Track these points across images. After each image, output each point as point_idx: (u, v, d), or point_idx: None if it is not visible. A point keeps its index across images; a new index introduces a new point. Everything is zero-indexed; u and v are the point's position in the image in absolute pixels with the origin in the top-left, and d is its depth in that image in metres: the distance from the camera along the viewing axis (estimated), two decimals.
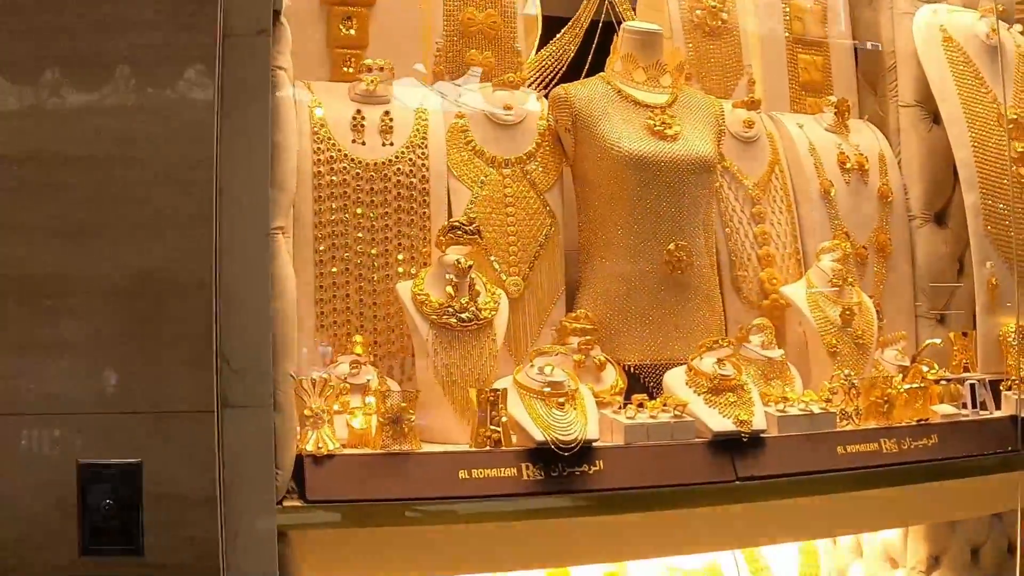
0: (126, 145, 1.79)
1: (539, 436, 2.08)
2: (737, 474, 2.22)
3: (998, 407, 2.62)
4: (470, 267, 2.25)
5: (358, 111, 2.44)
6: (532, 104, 2.59)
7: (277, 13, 2.04)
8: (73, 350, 1.75)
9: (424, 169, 2.44)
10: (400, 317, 2.33)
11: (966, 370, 2.76)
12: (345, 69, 2.55)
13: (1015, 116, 2.82)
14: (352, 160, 2.40)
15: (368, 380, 2.20)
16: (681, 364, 2.38)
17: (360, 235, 2.37)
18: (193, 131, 1.83)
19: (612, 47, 2.62)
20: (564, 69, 2.74)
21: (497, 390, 2.11)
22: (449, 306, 2.23)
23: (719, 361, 2.34)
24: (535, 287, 2.48)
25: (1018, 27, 3.05)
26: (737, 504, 2.24)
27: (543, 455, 2.08)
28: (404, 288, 2.29)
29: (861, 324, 2.61)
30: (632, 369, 2.44)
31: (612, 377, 2.39)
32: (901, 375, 2.59)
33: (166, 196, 1.81)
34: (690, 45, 2.86)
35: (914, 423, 2.47)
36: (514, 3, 2.70)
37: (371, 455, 2.04)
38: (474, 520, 2.04)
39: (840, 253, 2.63)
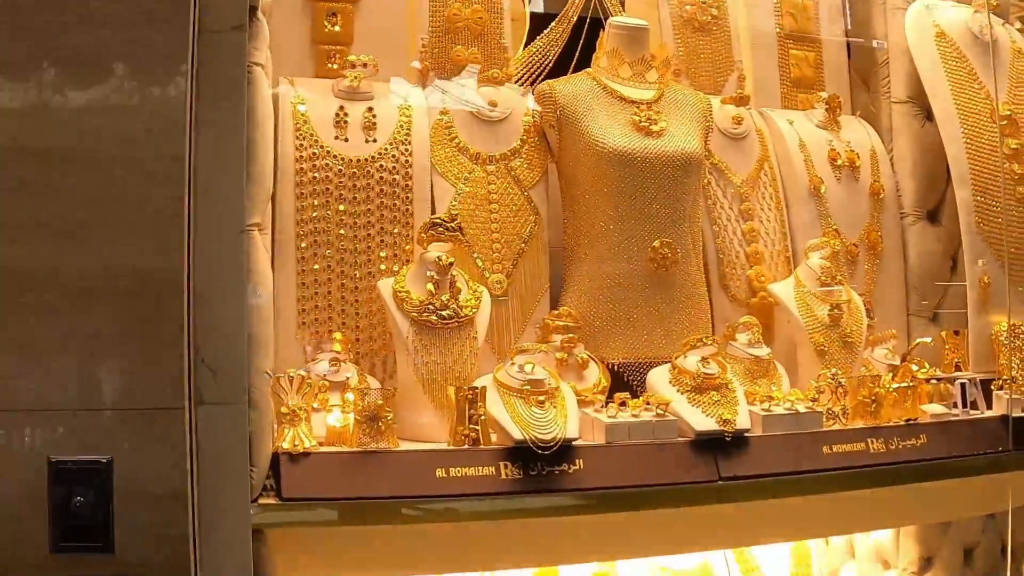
0: (98, 141, 1.78)
1: (518, 435, 2.06)
2: (720, 474, 2.20)
3: (989, 407, 2.59)
4: (451, 264, 2.24)
5: (341, 107, 2.43)
6: (518, 100, 2.57)
7: (254, 9, 2.03)
8: (44, 348, 1.74)
9: (407, 166, 2.43)
10: (382, 315, 2.31)
11: (958, 369, 2.72)
12: (329, 65, 2.54)
13: (1008, 112, 2.78)
14: (335, 156, 2.39)
15: (348, 377, 2.19)
16: (666, 362, 2.36)
17: (342, 232, 2.36)
18: (166, 127, 1.82)
19: (598, 43, 2.60)
20: (551, 65, 2.72)
21: (475, 388, 2.09)
22: (430, 303, 2.22)
23: (703, 359, 2.31)
24: (519, 284, 2.46)
25: (1018, 25, 3.01)
26: (720, 504, 2.21)
27: (522, 454, 2.06)
28: (385, 285, 2.27)
29: (850, 322, 2.58)
30: (616, 367, 2.42)
31: (595, 375, 2.37)
32: (891, 374, 2.56)
33: (138, 192, 1.80)
34: (679, 41, 2.84)
35: (902, 423, 2.44)
36: None
37: (347, 453, 2.03)
38: (451, 519, 2.02)
39: (829, 251, 2.60)
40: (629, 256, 2.44)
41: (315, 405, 2.13)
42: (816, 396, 2.39)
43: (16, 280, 1.75)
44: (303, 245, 2.34)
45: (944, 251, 2.91)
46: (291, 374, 2.06)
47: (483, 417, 2.09)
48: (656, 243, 2.43)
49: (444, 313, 2.22)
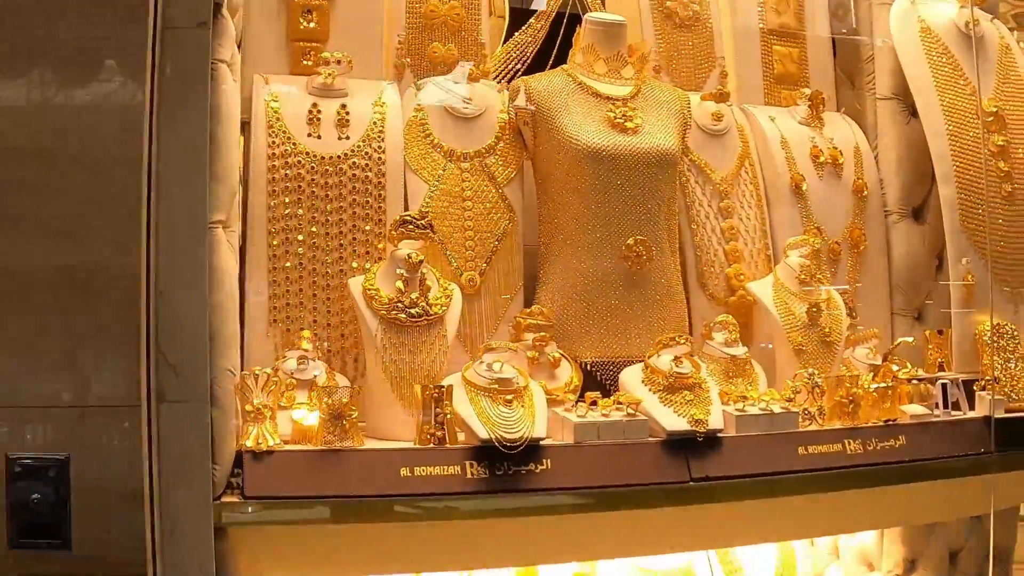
0: (56, 137, 1.78)
1: (483, 434, 2.04)
2: (691, 475, 2.17)
3: (972, 407, 2.55)
4: (421, 262, 2.22)
5: (314, 104, 2.42)
6: (494, 97, 2.55)
7: (219, 6, 2.02)
8: (1, 346, 1.74)
9: (380, 163, 2.42)
10: (354, 312, 2.30)
11: (941, 369, 2.68)
12: (305, 62, 2.53)
13: (995, 108, 2.73)
14: (307, 154, 2.38)
15: (315, 375, 2.18)
16: (640, 361, 2.34)
17: (314, 229, 2.35)
18: (125, 123, 1.82)
19: (574, 38, 2.57)
20: (530, 61, 2.69)
21: (441, 387, 2.08)
22: (399, 301, 2.21)
23: (676, 358, 2.29)
24: (492, 282, 2.45)
25: (1011, 24, 2.97)
26: (691, 505, 2.19)
27: (488, 453, 2.04)
28: (355, 283, 2.26)
29: (829, 322, 2.54)
30: (589, 366, 2.40)
31: (567, 374, 2.35)
32: (871, 374, 2.52)
33: (96, 189, 1.80)
34: (660, 37, 2.81)
35: (881, 423, 2.40)
36: None
37: (311, 452, 2.02)
38: (415, 518, 2.01)
39: (809, 249, 2.57)
40: (603, 254, 2.42)
41: (283, 403, 2.13)
42: (792, 396, 2.36)
43: None
44: (275, 243, 2.34)
45: (929, 250, 2.86)
46: (256, 372, 2.06)
47: (449, 416, 2.07)
48: (630, 240, 2.41)
49: (413, 311, 2.21)
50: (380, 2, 2.61)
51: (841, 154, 2.81)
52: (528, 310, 2.38)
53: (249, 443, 1.99)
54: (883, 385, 2.43)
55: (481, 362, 2.18)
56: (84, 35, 1.81)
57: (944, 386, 2.50)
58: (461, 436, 2.11)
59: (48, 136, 1.78)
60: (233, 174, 2.06)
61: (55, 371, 1.78)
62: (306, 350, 2.22)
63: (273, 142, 2.37)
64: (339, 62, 2.43)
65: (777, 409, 2.31)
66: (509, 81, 2.66)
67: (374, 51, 2.59)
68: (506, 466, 2.05)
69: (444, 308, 2.25)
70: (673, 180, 2.53)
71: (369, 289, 2.23)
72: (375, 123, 2.45)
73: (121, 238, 1.80)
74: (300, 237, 2.34)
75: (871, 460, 2.35)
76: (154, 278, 1.86)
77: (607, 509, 2.13)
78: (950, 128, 2.71)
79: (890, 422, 2.41)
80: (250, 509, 1.94)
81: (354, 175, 2.39)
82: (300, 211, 2.35)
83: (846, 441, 2.34)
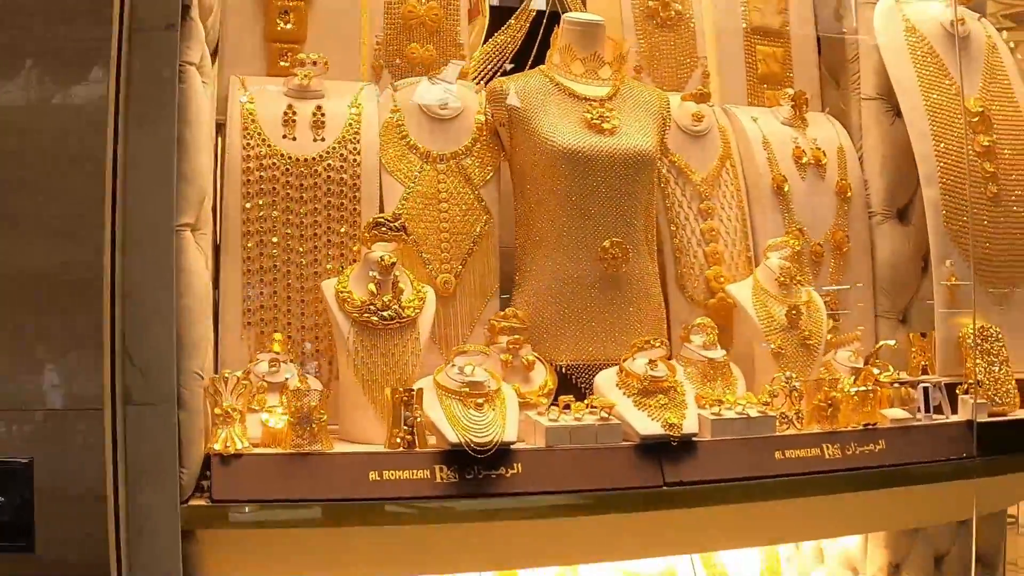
0: (19, 138, 1.78)
1: (453, 437, 2.03)
2: (665, 479, 2.16)
3: (955, 411, 2.52)
4: (393, 264, 2.21)
5: (290, 106, 2.41)
6: (471, 98, 2.54)
7: (187, 8, 2.02)
8: None
9: (356, 165, 2.41)
10: (328, 315, 2.29)
11: (925, 372, 2.65)
12: (282, 63, 2.52)
13: (981, 108, 2.70)
14: (281, 155, 2.37)
15: (287, 378, 2.18)
16: (616, 364, 2.32)
17: (289, 231, 2.35)
18: (89, 125, 1.81)
19: (552, 38, 2.56)
20: (508, 61, 2.68)
21: (412, 390, 2.07)
22: (371, 304, 2.20)
23: (651, 362, 2.27)
24: (468, 284, 2.43)
25: (1009, 23, 2.93)
26: (665, 510, 2.17)
27: (459, 457, 2.03)
28: (328, 285, 2.25)
29: (809, 324, 2.52)
30: (564, 369, 2.39)
31: (542, 377, 2.33)
32: (852, 377, 2.50)
33: (60, 191, 1.79)
34: (641, 36, 2.79)
35: (860, 428, 2.38)
36: None
37: (280, 455, 2.01)
38: (383, 522, 2.00)
39: (789, 251, 2.54)
40: (579, 256, 2.40)
41: (254, 406, 2.12)
42: (769, 400, 2.34)
43: None
44: (249, 244, 2.33)
45: (914, 251, 2.83)
46: (226, 375, 2.05)
47: (419, 419, 2.06)
48: (606, 243, 2.39)
49: (385, 314, 2.20)
50: (358, 3, 2.60)
51: (824, 155, 2.78)
52: (502, 313, 2.36)
53: (217, 446, 1.98)
54: (863, 389, 2.41)
55: (453, 365, 2.17)
56: (49, 36, 1.80)
57: (925, 390, 2.47)
58: (432, 440, 2.10)
59: (13, 137, 1.78)
60: (202, 176, 2.06)
61: (19, 373, 1.77)
62: (277, 353, 2.21)
63: (248, 144, 2.37)
64: (315, 63, 2.43)
65: (754, 413, 2.29)
66: (487, 82, 2.64)
67: (352, 52, 2.58)
68: (476, 470, 2.04)
69: (417, 311, 2.24)
70: (651, 181, 2.51)
71: (342, 291, 2.22)
72: (351, 124, 2.44)
73: (86, 240, 1.80)
74: (275, 239, 2.34)
75: (850, 465, 2.33)
76: (121, 280, 1.85)
77: (579, 514, 2.12)
78: (934, 128, 2.68)
79: (870, 426, 2.39)
80: (218, 512, 1.94)
81: (329, 177, 2.39)
82: (275, 213, 2.34)
83: (824, 445, 2.32)
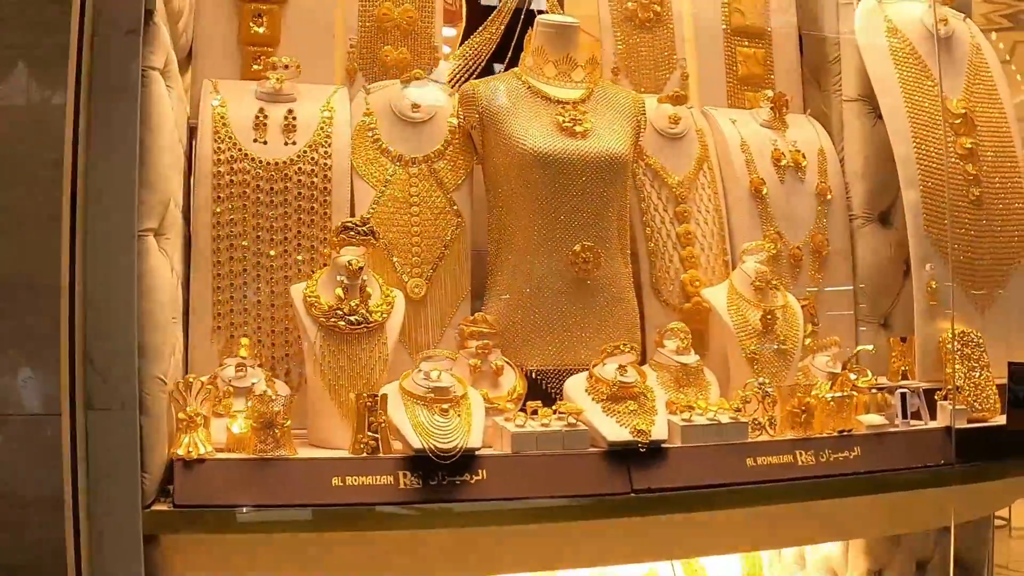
0: None
1: (417, 443, 2.02)
2: (633, 486, 2.14)
3: (933, 417, 2.48)
4: (361, 268, 2.21)
5: (261, 110, 2.41)
6: (444, 101, 2.52)
7: (150, 13, 2.01)
8: None
9: (327, 168, 2.40)
10: (296, 319, 2.29)
11: (905, 378, 2.62)
12: (254, 67, 2.52)
13: (963, 110, 2.66)
14: (252, 159, 2.37)
15: (253, 383, 2.17)
16: (587, 370, 2.30)
17: (259, 235, 2.34)
18: (48, 131, 1.81)
19: (526, 40, 2.54)
20: (486, 62, 2.66)
21: (375, 395, 2.06)
22: (338, 308, 2.19)
23: (621, 367, 2.25)
24: (439, 289, 2.42)
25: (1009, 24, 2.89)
26: (633, 517, 2.15)
27: (423, 463, 2.02)
28: (297, 290, 2.25)
29: (785, 329, 2.49)
30: (535, 375, 2.37)
31: (511, 383, 2.32)
32: (829, 383, 2.47)
33: (19, 196, 1.80)
34: (620, 38, 2.77)
35: (835, 434, 2.35)
36: None
37: (243, 460, 2.01)
38: (346, 528, 2.00)
39: (765, 254, 2.52)
40: (550, 260, 2.38)
41: (220, 411, 2.12)
42: (741, 406, 2.32)
43: None
44: (219, 249, 2.33)
45: (896, 255, 2.79)
46: (190, 380, 2.05)
47: (383, 425, 2.05)
48: (577, 247, 2.37)
49: (352, 318, 2.19)
50: (332, 6, 2.59)
51: (804, 157, 2.75)
52: (471, 317, 2.35)
53: (180, 451, 1.98)
54: (840, 394, 2.38)
55: (419, 370, 2.16)
56: (7, 41, 1.81)
57: (903, 395, 2.44)
58: (398, 446, 2.09)
59: None
60: (166, 181, 2.05)
61: None
62: (244, 357, 2.21)
63: (219, 148, 2.36)
64: (287, 67, 2.42)
65: (725, 419, 2.27)
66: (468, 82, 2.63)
67: (326, 55, 2.58)
68: (440, 476, 2.03)
69: (385, 315, 2.23)
70: (624, 184, 2.49)
71: (309, 296, 2.21)
72: (322, 128, 2.43)
73: (43, 246, 1.80)
74: (245, 243, 2.33)
75: (824, 472, 2.30)
76: (82, 285, 1.86)
77: (545, 520, 2.10)
78: (915, 130, 2.64)
79: (845, 433, 2.36)
80: (180, 517, 1.94)
81: (300, 181, 2.38)
82: (245, 217, 2.34)
83: (798, 452, 2.30)
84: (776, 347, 2.45)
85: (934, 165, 2.63)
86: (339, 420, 2.16)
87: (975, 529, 2.88)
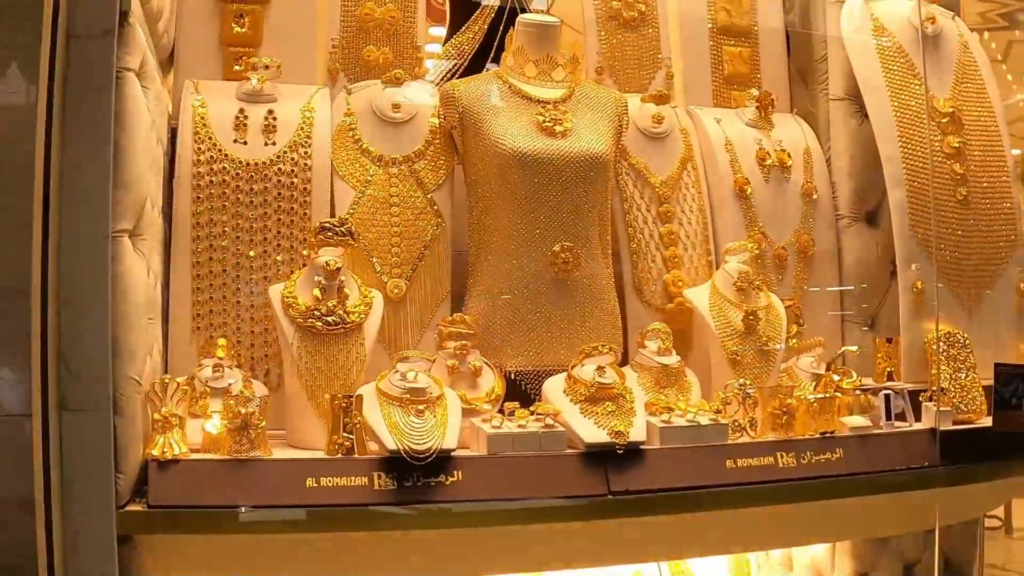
0: None
1: (391, 444, 2.02)
2: (610, 488, 2.13)
3: (918, 419, 2.46)
4: (339, 269, 2.20)
5: (241, 110, 2.41)
6: (425, 101, 2.52)
7: (125, 14, 2.01)
8: None
9: (306, 169, 2.40)
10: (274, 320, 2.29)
11: (890, 379, 2.60)
12: (236, 68, 2.52)
13: (951, 109, 2.63)
14: (232, 160, 2.37)
15: (230, 384, 2.17)
16: (567, 371, 2.29)
17: (238, 236, 2.35)
18: (20, 132, 1.82)
19: (507, 40, 2.53)
20: (467, 62, 2.65)
21: (350, 396, 2.06)
22: (315, 309, 2.19)
23: (599, 368, 2.24)
24: (419, 289, 2.42)
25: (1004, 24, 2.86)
26: (610, 519, 2.14)
27: (398, 464, 2.02)
28: (275, 290, 2.25)
29: (767, 330, 2.47)
30: (514, 375, 2.36)
31: (489, 384, 2.31)
32: (813, 384, 2.45)
33: None
34: (604, 37, 2.75)
35: (817, 436, 2.33)
36: None
37: (217, 461, 2.01)
38: (319, 529, 1.99)
39: (748, 255, 2.50)
40: (530, 260, 2.37)
41: (197, 411, 2.13)
42: (721, 407, 2.30)
43: None
44: (199, 249, 2.33)
45: (883, 255, 2.77)
46: (166, 380, 2.05)
47: (357, 426, 2.05)
48: (556, 247, 2.36)
49: (329, 319, 2.19)
50: (314, 5, 2.59)
51: (789, 156, 2.73)
52: (450, 318, 2.35)
53: (155, 452, 1.99)
54: (822, 396, 2.36)
55: (395, 371, 2.15)
56: None
57: (887, 397, 2.42)
58: (374, 447, 2.09)
59: None
60: (141, 182, 2.05)
61: None
62: (221, 358, 2.21)
63: (199, 148, 2.37)
64: (267, 67, 2.42)
65: (705, 421, 2.26)
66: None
67: (308, 55, 2.58)
68: (415, 477, 2.03)
69: (363, 316, 2.23)
70: (605, 184, 2.47)
71: (287, 296, 2.21)
72: (303, 128, 2.43)
73: (13, 247, 1.80)
74: (224, 243, 2.34)
75: (805, 474, 2.28)
76: (55, 286, 1.86)
77: (520, 522, 2.09)
78: (901, 130, 2.62)
79: (827, 434, 2.34)
80: (154, 518, 1.94)
81: (279, 181, 2.38)
82: (225, 217, 2.34)
83: (779, 454, 2.28)
84: (759, 348, 2.43)
85: (920, 164, 2.61)
86: (316, 421, 2.16)
87: (964, 531, 2.86)
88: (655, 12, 2.80)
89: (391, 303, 2.37)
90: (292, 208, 2.38)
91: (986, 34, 3.02)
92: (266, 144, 2.39)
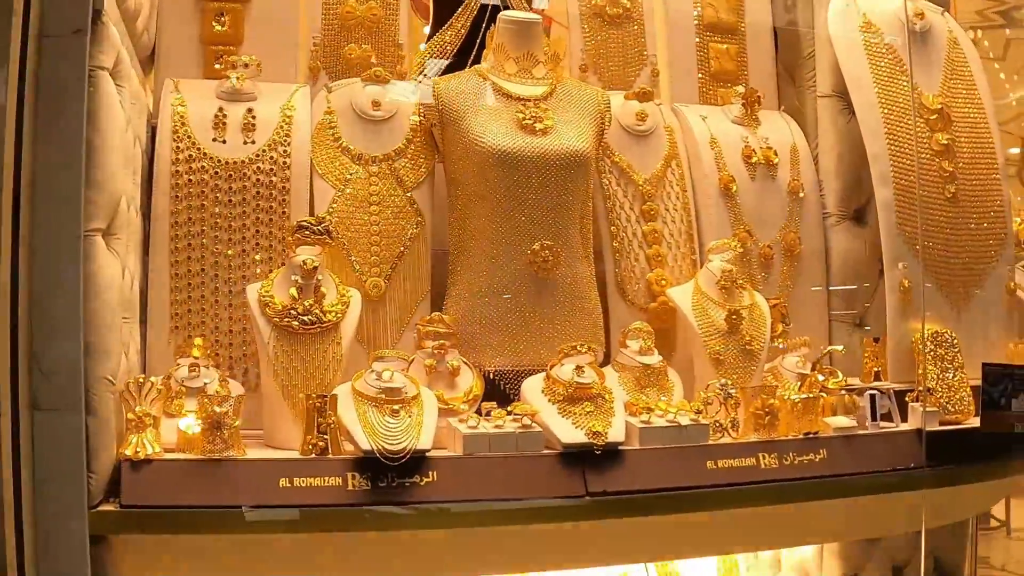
0: None
1: (365, 444, 2.01)
2: (588, 489, 2.11)
3: (905, 420, 2.43)
4: (316, 268, 2.19)
5: (220, 109, 2.40)
6: (406, 99, 2.50)
7: (98, 13, 2.00)
8: None
9: (286, 167, 2.39)
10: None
11: (877, 379, 2.57)
12: (217, 66, 2.51)
13: (940, 106, 2.60)
14: (211, 158, 2.36)
15: (206, 383, 2.16)
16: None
17: (217, 235, 2.34)
18: None
19: (488, 37, 2.51)
20: (449, 59, 2.63)
21: (324, 396, 2.05)
22: (292, 308, 2.18)
23: (578, 368, 2.22)
24: (398, 288, 2.40)
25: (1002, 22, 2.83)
26: (588, 521, 2.12)
27: (372, 465, 2.01)
28: (252, 290, 2.24)
29: (751, 329, 2.45)
30: (493, 375, 2.34)
31: (467, 383, 2.29)
32: (798, 384, 2.43)
33: None
34: (588, 34, 2.73)
35: (801, 437, 2.31)
36: None
37: (191, 461, 2.00)
38: (292, 529, 1.98)
39: (731, 253, 2.47)
40: (510, 259, 2.36)
41: (172, 411, 2.12)
42: (703, 407, 2.28)
43: None
44: (177, 248, 2.33)
45: (871, 253, 2.73)
46: (139, 380, 2.05)
47: (332, 426, 2.04)
48: (536, 245, 2.34)
49: (306, 318, 2.18)
50: (295, 3, 2.58)
51: (775, 154, 2.70)
52: (428, 317, 2.33)
53: (128, 451, 1.98)
54: (806, 396, 2.33)
55: (371, 371, 2.14)
56: None
57: (872, 397, 2.39)
58: (349, 447, 2.07)
59: None
60: (116, 181, 2.04)
61: None
62: (197, 358, 2.20)
63: (178, 147, 2.36)
64: (247, 65, 2.41)
65: (685, 421, 2.23)
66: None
67: (289, 53, 2.57)
68: (390, 478, 2.02)
69: (340, 315, 2.22)
70: (586, 182, 2.45)
71: (264, 296, 2.20)
72: (282, 127, 2.42)
73: None
74: (203, 242, 2.33)
75: (788, 475, 2.26)
76: (26, 285, 1.86)
77: (496, 523, 2.08)
78: (889, 127, 2.59)
79: (811, 435, 2.31)
80: (127, 518, 1.94)
81: (258, 180, 2.37)
82: (203, 216, 2.33)
83: (761, 455, 2.25)
84: (742, 348, 2.41)
85: (908, 162, 2.57)
86: (292, 421, 2.15)
87: (955, 531, 2.82)
88: (640, 8, 2.77)
89: (370, 302, 2.35)
90: (271, 207, 2.37)
91: (979, 32, 2.98)
92: (245, 143, 2.38)
